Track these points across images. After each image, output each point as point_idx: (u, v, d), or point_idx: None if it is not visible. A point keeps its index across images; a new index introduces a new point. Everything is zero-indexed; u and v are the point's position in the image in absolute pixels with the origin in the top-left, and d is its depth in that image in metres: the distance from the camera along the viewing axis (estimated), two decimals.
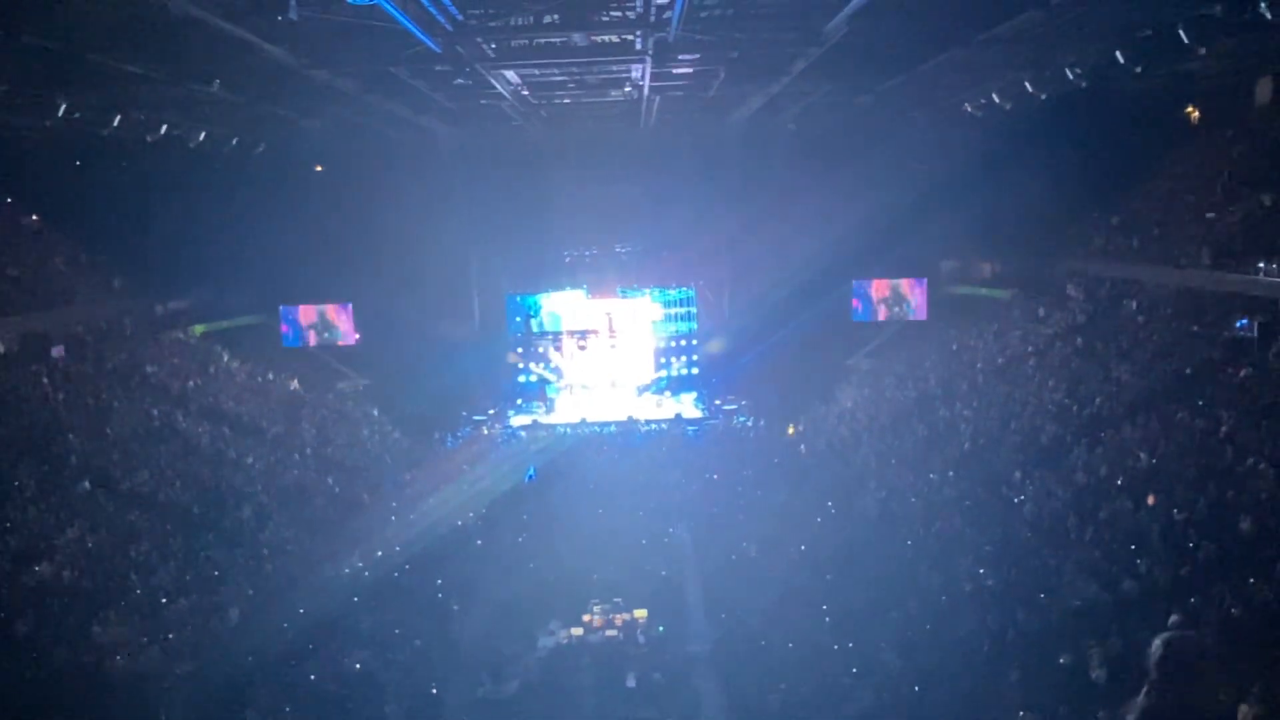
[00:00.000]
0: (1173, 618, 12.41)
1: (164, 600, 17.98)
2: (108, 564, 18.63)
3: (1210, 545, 14.45)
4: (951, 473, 22.76)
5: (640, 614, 18.31)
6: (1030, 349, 27.20)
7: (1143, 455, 18.40)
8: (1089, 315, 26.56)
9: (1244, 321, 20.66)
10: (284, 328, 36.22)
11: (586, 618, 18.20)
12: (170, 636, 16.74)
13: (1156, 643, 3.10)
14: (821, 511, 23.33)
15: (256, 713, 14.13)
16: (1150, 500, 16.39)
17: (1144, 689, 3.14)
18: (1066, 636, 13.77)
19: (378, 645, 17.14)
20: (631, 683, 15.81)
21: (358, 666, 16.20)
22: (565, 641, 17.52)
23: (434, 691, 15.91)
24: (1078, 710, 11.76)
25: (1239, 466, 16.29)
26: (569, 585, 19.49)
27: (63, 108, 21.22)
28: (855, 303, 36.07)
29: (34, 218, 30.65)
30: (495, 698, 15.60)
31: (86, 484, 21.03)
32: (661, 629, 18.01)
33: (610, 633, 17.87)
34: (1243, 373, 19.25)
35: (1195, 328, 22.10)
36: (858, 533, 21.42)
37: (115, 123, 23.00)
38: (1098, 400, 21.95)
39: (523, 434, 34.88)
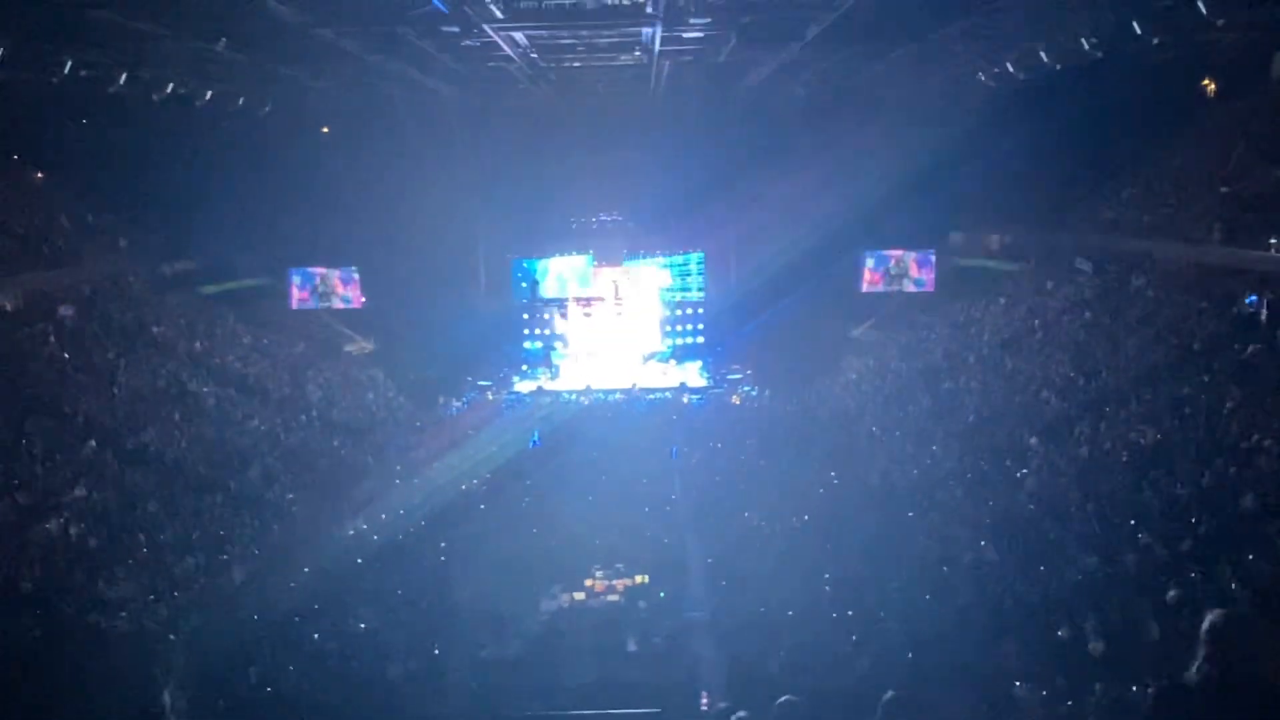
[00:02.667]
0: (1171, 592, 12.48)
1: (170, 559, 18.15)
2: (114, 522, 18.79)
3: (1212, 521, 14.48)
4: (955, 445, 22.78)
5: (641, 579, 18.44)
6: (1037, 322, 27.10)
7: (1147, 430, 18.38)
8: (1097, 289, 26.42)
9: (1253, 298, 20.53)
10: (303, 294, 36.18)
11: (588, 582, 18.32)
12: (176, 595, 16.92)
13: (1209, 619, 3.16)
14: (824, 481, 23.39)
15: (260, 671, 14.28)
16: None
17: (1194, 663, 3.20)
18: (1065, 609, 13.84)
19: (381, 606, 17.30)
20: (632, 647, 15.94)
21: (361, 626, 16.36)
22: (567, 605, 17.64)
23: (436, 652, 16.07)
24: (1074, 682, 11.83)
25: (1243, 443, 16.26)
26: (571, 550, 19.61)
27: (69, 65, 21.05)
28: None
29: (39, 175, 30.56)
30: (497, 659, 15.75)
31: (93, 443, 21.16)
32: (662, 595, 18.13)
33: (611, 597, 18.00)
34: (1250, 349, 19.16)
35: (1204, 303, 21.97)
36: (859, 503, 21.50)
37: (121, 81, 22.84)
38: (1104, 374, 21.89)
39: (527, 400, 34.95)
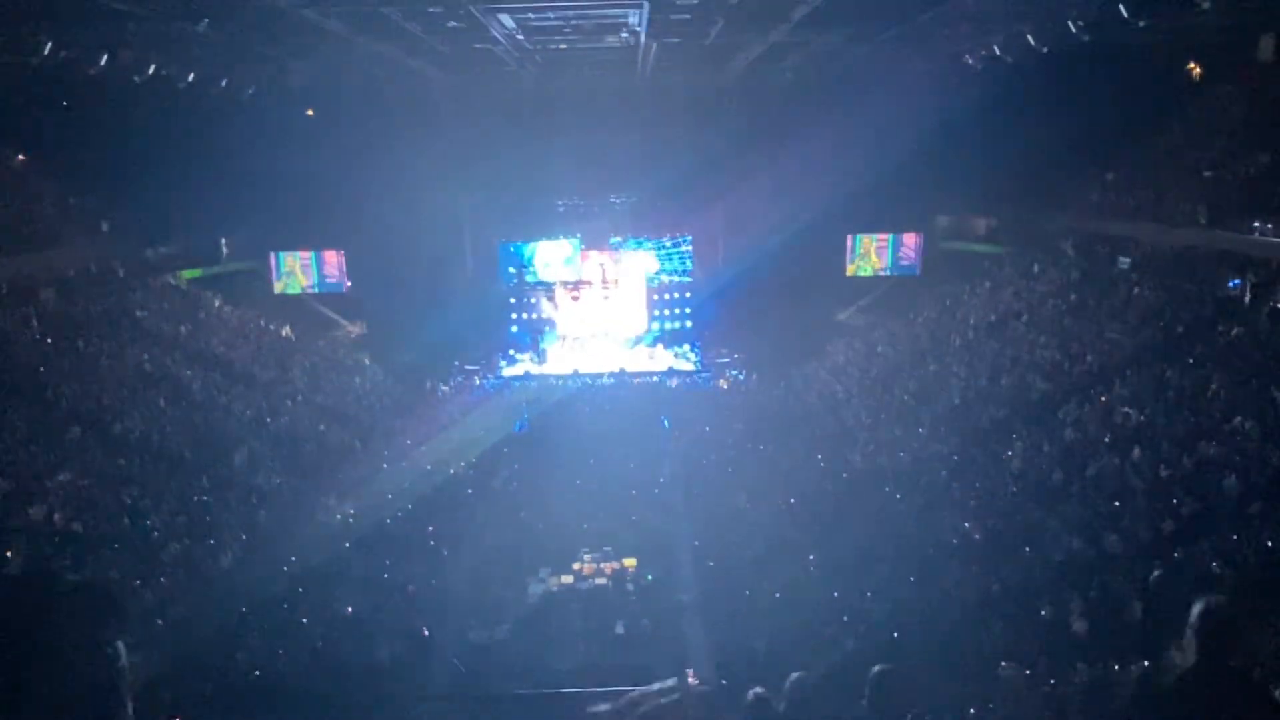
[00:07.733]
0: (1154, 573, 12.60)
1: (156, 544, 18.06)
2: (100, 507, 18.67)
3: (1194, 502, 14.61)
4: (941, 428, 22.88)
5: (629, 563, 18.50)
6: (1023, 306, 27.19)
7: (1131, 412, 18.50)
8: (1083, 272, 26.52)
9: (1236, 281, 20.65)
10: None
11: (577, 565, 18.38)
12: (162, 580, 16.85)
13: (1196, 608, 3.19)
14: (811, 465, 23.48)
15: (248, 656, 14.27)
16: None
17: (1181, 648, 3.22)
18: (1049, 590, 13.97)
19: (369, 590, 17.31)
20: (620, 629, 16.03)
21: (349, 610, 16.36)
22: (555, 589, 17.70)
23: (425, 634, 16.11)
24: (1058, 662, 11.96)
25: (1226, 425, 16.40)
26: (559, 534, 19.66)
27: (49, 46, 20.78)
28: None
29: (21, 158, 30.22)
30: (485, 642, 15.80)
31: (76, 428, 21.00)
32: (650, 578, 18.20)
33: (600, 580, 18.06)
34: (1233, 332, 19.29)
35: (1188, 286, 22.09)
36: (846, 486, 21.59)
37: (103, 62, 22.58)
38: (1089, 357, 22.01)
39: (515, 384, 34.90)
